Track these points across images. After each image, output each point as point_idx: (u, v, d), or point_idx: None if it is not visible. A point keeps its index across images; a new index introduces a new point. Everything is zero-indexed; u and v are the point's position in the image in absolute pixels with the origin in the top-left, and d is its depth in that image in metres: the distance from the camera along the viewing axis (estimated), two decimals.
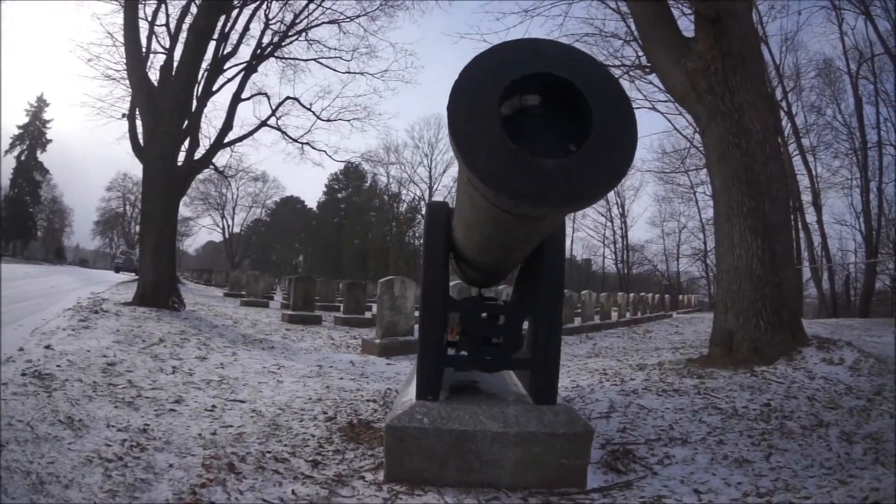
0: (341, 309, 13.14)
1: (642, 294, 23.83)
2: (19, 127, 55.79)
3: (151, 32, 15.54)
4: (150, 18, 15.04)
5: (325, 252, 77.24)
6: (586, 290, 17.12)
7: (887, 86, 27.40)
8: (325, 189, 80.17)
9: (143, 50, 13.87)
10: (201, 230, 79.69)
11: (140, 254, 11.40)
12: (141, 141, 12.20)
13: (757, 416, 4.36)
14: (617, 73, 14.17)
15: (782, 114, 27.99)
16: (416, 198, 72.43)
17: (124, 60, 13.34)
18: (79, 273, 29.33)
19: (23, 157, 55.42)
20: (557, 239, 3.13)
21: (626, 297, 19.36)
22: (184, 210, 69.74)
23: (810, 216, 30.21)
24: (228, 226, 77.07)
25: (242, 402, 4.45)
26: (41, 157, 58.35)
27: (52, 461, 2.77)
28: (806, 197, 30.43)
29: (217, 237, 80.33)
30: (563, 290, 3.47)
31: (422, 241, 3.16)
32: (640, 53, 14.93)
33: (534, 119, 1.77)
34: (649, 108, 21.43)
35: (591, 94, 1.68)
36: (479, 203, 2.09)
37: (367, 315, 12.55)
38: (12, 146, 54.98)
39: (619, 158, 1.72)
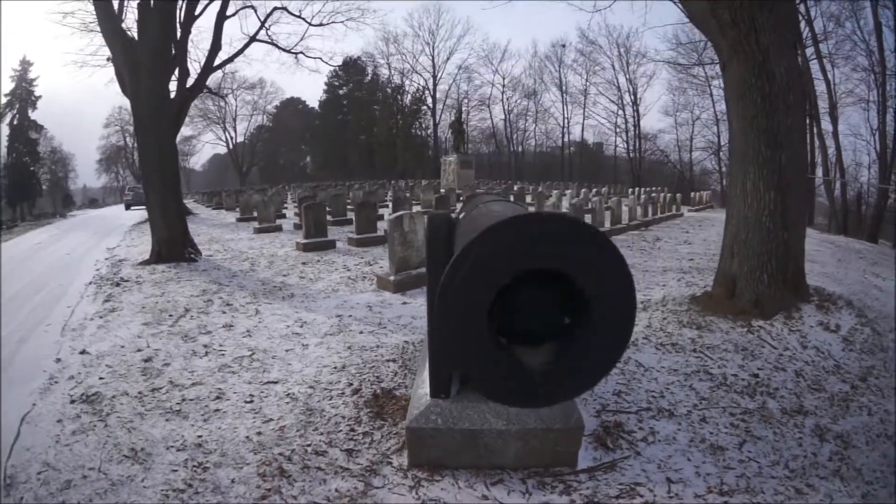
0: (354, 227, 13.29)
1: (653, 195, 23.71)
2: (6, 95, 54.61)
3: None
4: None
5: (332, 151, 76.78)
6: (596, 186, 16.92)
7: None
8: (325, 87, 79.00)
9: None
10: (205, 146, 79.64)
11: (148, 212, 11.56)
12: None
13: (744, 388, 4.62)
14: None
15: (801, 18, 27.12)
16: (420, 88, 71.22)
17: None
18: (90, 222, 29.49)
19: (15, 122, 54.62)
20: None
21: (636, 199, 19.11)
22: (184, 130, 69.32)
23: (826, 123, 29.79)
24: (232, 137, 76.76)
25: (275, 383, 4.81)
26: (33, 115, 57.69)
27: None
28: (822, 103, 29.93)
29: (222, 149, 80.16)
30: None
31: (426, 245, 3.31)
32: None
33: (530, 289, 1.75)
34: None
35: (594, 290, 1.63)
36: None
37: (380, 231, 12.76)
38: (2, 115, 54.10)
39: (612, 354, 1.74)
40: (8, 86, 55.29)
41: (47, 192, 62.83)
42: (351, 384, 4.68)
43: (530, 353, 1.69)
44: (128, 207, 39.85)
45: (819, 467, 3.58)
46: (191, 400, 4.56)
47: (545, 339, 1.73)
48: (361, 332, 6.12)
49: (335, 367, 5.07)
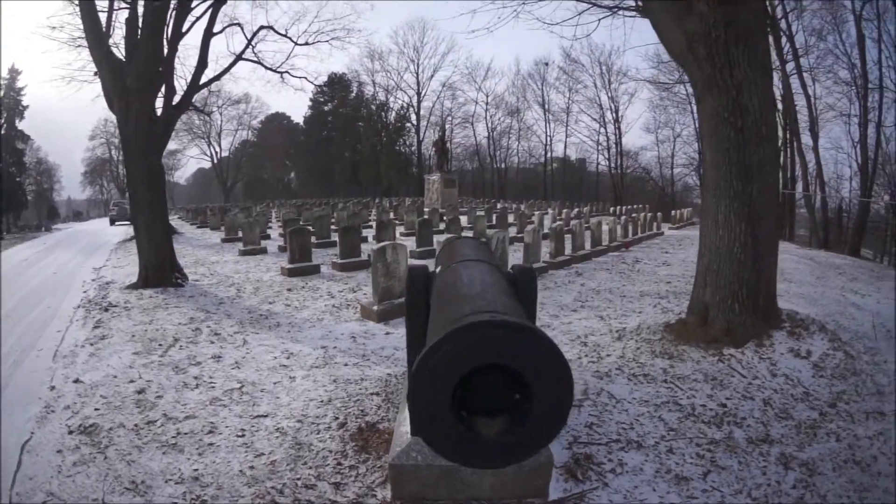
0: (338, 251, 13.52)
1: (633, 214, 24.03)
2: None
3: None
4: None
5: (316, 166, 76.82)
6: (578, 204, 17.21)
7: (890, 26, 27.32)
8: (310, 103, 79.14)
9: (108, 6, 13.60)
10: (190, 160, 79.47)
11: (136, 235, 11.72)
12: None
13: (711, 418, 4.86)
14: (601, 13, 13.78)
15: (782, 34, 27.72)
16: (405, 105, 71.52)
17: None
18: (76, 237, 29.48)
19: (2, 131, 54.24)
20: None
21: (616, 220, 19.48)
22: (169, 144, 69.11)
23: (806, 137, 30.49)
24: (216, 152, 76.70)
25: (265, 416, 5.06)
26: (20, 125, 57.26)
27: None
28: (802, 116, 30.49)
29: (207, 164, 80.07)
30: None
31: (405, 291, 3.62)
32: None
33: (487, 373, 2.03)
34: (645, 17, 20.63)
35: (535, 379, 1.96)
36: None
37: (364, 256, 13.03)
38: None
39: (553, 427, 2.12)
40: None
41: (32, 204, 62.42)
42: (337, 418, 4.94)
43: (488, 423, 2.05)
44: (112, 222, 39.80)
45: (782, 495, 3.79)
46: (185, 433, 4.77)
47: (500, 412, 2.09)
48: (346, 365, 6.38)
49: (322, 401, 5.33)
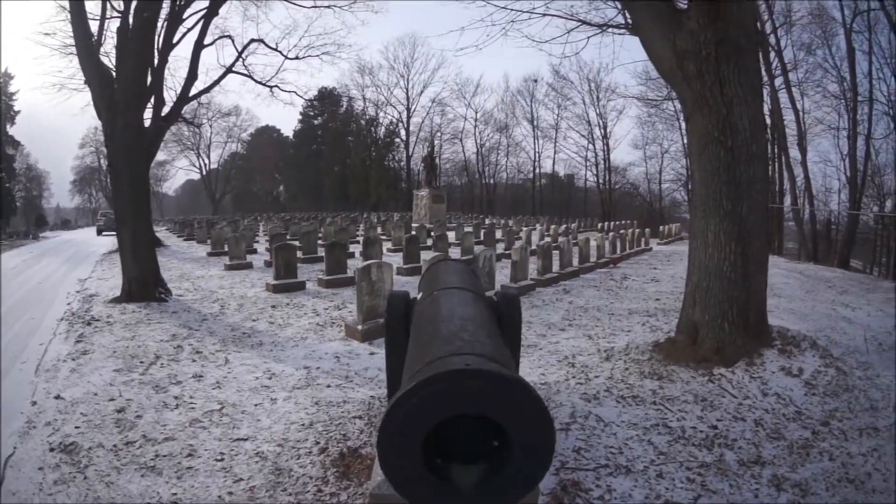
0: (324, 267, 13.43)
1: (622, 231, 24.00)
2: None
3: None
4: None
5: (306, 180, 76.89)
6: (566, 219, 17.18)
7: (881, 38, 27.57)
8: (300, 117, 79.27)
9: (100, 15, 13.54)
10: (178, 172, 79.34)
11: (120, 249, 11.60)
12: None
13: (702, 440, 4.78)
14: (591, 31, 13.80)
15: (770, 49, 27.96)
16: (394, 120, 71.81)
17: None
18: (63, 247, 29.36)
19: None
20: None
21: (604, 236, 19.47)
22: (159, 154, 69.07)
23: (794, 151, 30.79)
24: (206, 164, 76.66)
25: (245, 440, 4.98)
26: (11, 130, 56.90)
27: None
28: (791, 131, 30.76)
29: (196, 175, 79.97)
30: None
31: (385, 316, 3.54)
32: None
33: (464, 420, 1.88)
34: (633, 35, 20.69)
35: (514, 430, 1.81)
36: None
37: (350, 272, 12.95)
38: None
39: (534, 476, 2.05)
40: None
41: (21, 211, 62.03)
42: (318, 442, 4.86)
43: (464, 470, 1.96)
44: (99, 232, 39.78)
45: None
46: (164, 456, 4.69)
47: (478, 459, 2.00)
48: (329, 386, 6.30)
49: (303, 424, 5.24)
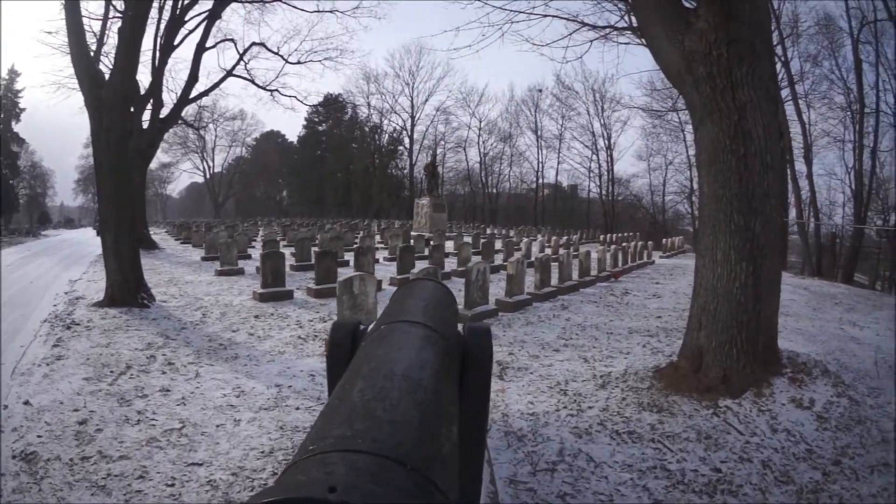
0: (314, 277, 13.15)
1: (623, 243, 23.55)
2: None
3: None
4: None
5: (309, 186, 77.17)
6: (568, 231, 16.76)
7: (888, 49, 27.66)
8: (304, 123, 79.84)
9: (103, 15, 13.34)
10: (182, 174, 79.58)
11: (104, 253, 11.34)
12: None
13: (703, 486, 4.36)
14: (593, 35, 13.56)
15: (777, 60, 27.80)
16: (398, 128, 72.00)
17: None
18: (60, 246, 29.35)
19: None
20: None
21: (605, 248, 18.97)
22: (163, 156, 69.52)
23: (799, 164, 30.69)
24: (209, 168, 76.92)
25: (200, 465, 4.67)
26: (16, 127, 56.98)
27: None
28: (797, 143, 30.62)
29: (200, 178, 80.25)
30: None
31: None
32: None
33: None
34: (638, 43, 20.56)
35: None
36: None
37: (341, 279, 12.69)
38: None
39: None
40: None
41: (24, 208, 62.20)
42: (275, 474, 4.53)
43: None
44: (98, 233, 39.66)
45: None
46: (116, 475, 4.45)
47: None
48: (298, 409, 5.97)
49: (262, 452, 4.93)
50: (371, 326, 2.85)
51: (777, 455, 4.80)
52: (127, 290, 11.04)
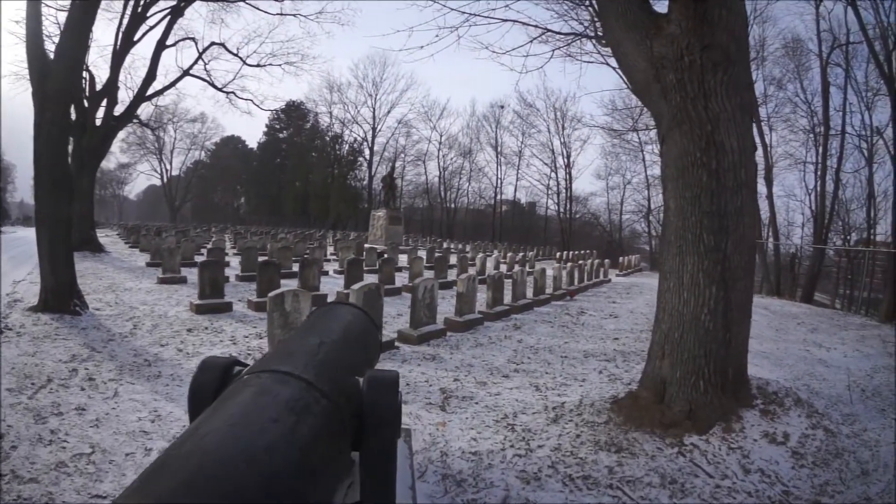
0: (256, 290, 12.83)
1: (580, 262, 23.67)
2: None
3: None
4: None
5: (267, 194, 76.59)
6: (525, 247, 16.70)
7: (857, 73, 28.15)
8: (265, 129, 79.40)
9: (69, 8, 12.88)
10: (140, 176, 78.22)
11: (39, 256, 10.86)
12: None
13: None
14: (557, 42, 13.48)
15: None
16: (359, 139, 72.03)
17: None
18: (15, 244, 28.43)
19: None
20: None
21: (561, 267, 18.92)
22: (121, 156, 68.16)
23: (760, 185, 31.25)
24: (167, 170, 75.90)
25: (103, 498, 4.43)
26: None
27: None
28: (758, 164, 31.50)
29: (158, 181, 79.01)
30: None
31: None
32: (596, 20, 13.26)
33: None
34: (601, 62, 20.61)
35: None
36: None
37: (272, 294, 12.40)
38: None
39: None
40: None
41: None
42: None
43: None
44: None
45: None
46: (25, 499, 4.24)
47: None
48: None
49: None
50: (247, 368, 2.31)
51: (751, 500, 4.40)
52: (60, 295, 10.61)
